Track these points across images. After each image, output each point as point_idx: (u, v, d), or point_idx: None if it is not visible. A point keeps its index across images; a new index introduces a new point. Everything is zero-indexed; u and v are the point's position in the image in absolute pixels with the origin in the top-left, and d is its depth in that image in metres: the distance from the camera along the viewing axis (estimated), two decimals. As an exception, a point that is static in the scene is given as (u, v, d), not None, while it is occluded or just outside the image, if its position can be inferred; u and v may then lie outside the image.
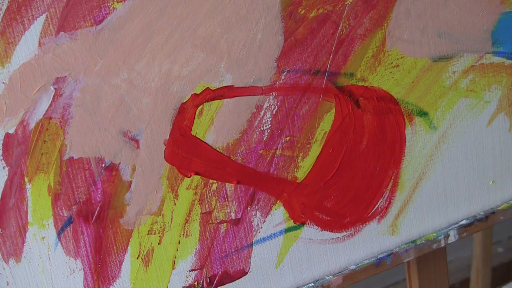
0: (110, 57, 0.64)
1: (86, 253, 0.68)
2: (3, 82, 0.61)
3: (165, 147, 0.68)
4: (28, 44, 0.61)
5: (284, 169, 0.74)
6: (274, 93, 0.71)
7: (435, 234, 0.83)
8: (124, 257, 0.69)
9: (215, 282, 0.74)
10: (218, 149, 0.71)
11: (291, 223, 0.76)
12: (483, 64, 0.81)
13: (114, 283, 0.70)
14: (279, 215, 0.75)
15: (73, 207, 0.66)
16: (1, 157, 0.62)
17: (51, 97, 0.63)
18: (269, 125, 0.72)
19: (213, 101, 0.69)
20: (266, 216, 0.74)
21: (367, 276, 0.80)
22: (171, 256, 0.71)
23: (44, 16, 0.61)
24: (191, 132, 0.69)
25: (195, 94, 0.68)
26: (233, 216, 0.73)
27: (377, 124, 0.77)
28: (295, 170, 0.74)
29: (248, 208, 0.73)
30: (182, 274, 0.72)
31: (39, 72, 0.62)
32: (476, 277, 1.48)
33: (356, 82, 0.75)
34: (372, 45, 0.74)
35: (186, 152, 0.69)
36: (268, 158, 0.73)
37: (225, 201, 0.72)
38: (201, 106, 0.69)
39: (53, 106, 0.63)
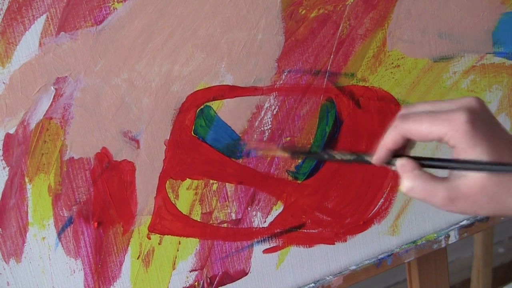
0: (110, 57, 0.64)
1: (86, 253, 0.68)
2: (4, 82, 0.61)
3: (165, 147, 0.68)
4: (28, 44, 0.61)
5: (284, 170, 0.74)
6: (274, 93, 0.71)
7: (435, 235, 0.83)
8: (124, 258, 0.69)
9: (215, 282, 0.74)
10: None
11: (291, 224, 0.76)
12: (483, 64, 0.81)
13: (114, 283, 0.69)
14: (279, 215, 0.75)
15: (74, 207, 0.66)
16: (2, 157, 0.62)
17: (52, 97, 0.63)
18: (270, 125, 0.72)
19: (213, 102, 0.69)
20: (267, 217, 0.74)
21: (367, 276, 0.80)
22: (171, 257, 0.71)
23: (44, 16, 0.61)
24: (192, 132, 0.69)
25: (195, 94, 0.68)
26: (233, 216, 0.73)
27: (377, 124, 0.77)
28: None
29: (249, 209, 0.73)
30: (182, 274, 0.72)
31: (40, 72, 0.62)
32: (477, 277, 1.48)
33: (357, 82, 0.75)
34: (373, 45, 0.74)
35: (186, 152, 0.69)
36: (269, 159, 0.73)
37: (226, 201, 0.72)
38: (201, 106, 0.69)
39: (54, 106, 0.63)
